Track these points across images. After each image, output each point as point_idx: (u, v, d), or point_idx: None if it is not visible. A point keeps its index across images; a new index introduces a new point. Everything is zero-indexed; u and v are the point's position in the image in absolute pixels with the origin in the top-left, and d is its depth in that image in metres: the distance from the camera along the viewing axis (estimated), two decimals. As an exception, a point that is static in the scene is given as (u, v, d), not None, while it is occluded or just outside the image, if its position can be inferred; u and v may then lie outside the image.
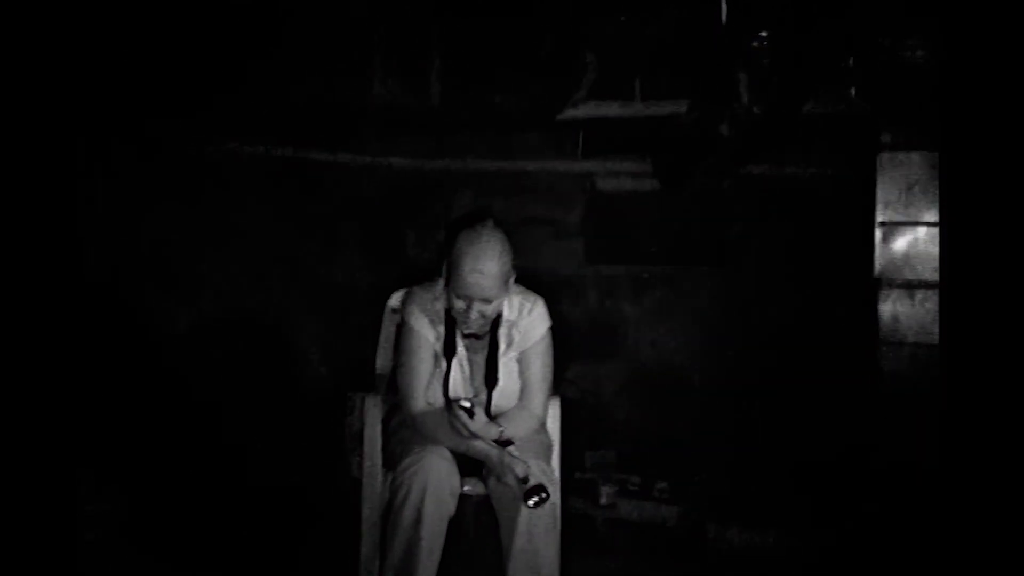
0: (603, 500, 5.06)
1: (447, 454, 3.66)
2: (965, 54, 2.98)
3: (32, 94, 2.90)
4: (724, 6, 4.60)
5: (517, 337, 3.82)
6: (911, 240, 4.35)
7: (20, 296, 2.83)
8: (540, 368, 3.85)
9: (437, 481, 3.59)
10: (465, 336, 3.80)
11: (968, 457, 2.88)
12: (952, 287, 2.96)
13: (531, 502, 3.50)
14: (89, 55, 3.98)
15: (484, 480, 3.73)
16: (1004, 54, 2.90)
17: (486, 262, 3.63)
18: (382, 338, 4.09)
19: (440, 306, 3.79)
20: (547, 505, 3.54)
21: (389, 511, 3.66)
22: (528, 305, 3.84)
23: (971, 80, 2.96)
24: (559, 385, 3.99)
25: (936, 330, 4.28)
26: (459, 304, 3.68)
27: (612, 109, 5.16)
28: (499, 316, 3.78)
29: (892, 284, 4.33)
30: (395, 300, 4.04)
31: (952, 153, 3.01)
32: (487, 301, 3.66)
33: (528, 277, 3.88)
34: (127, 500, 4.60)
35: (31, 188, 2.88)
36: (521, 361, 3.84)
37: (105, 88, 4.62)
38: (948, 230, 3.03)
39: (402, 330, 3.85)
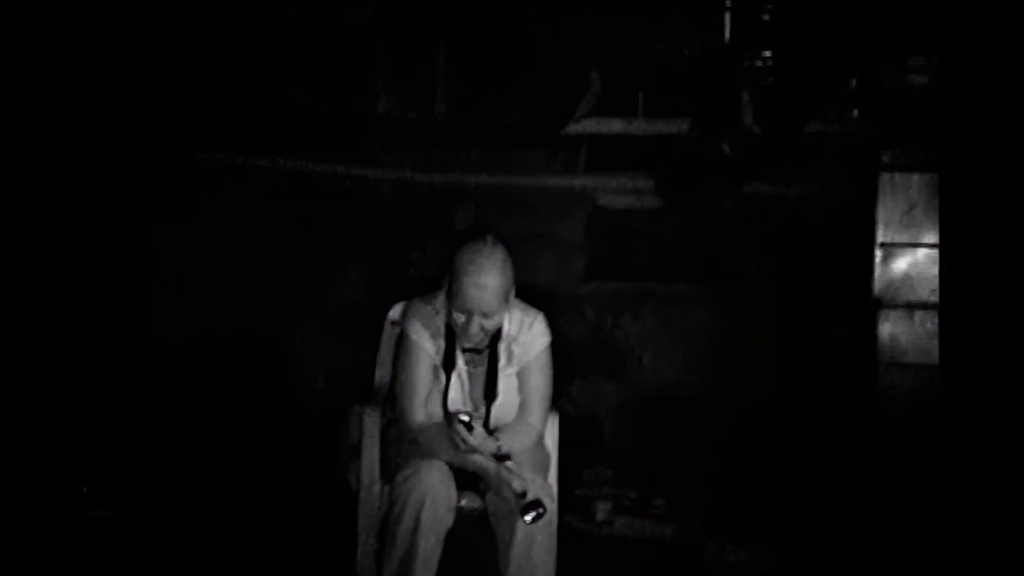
0: (600, 516, 5.05)
1: (445, 467, 3.66)
2: (965, 77, 2.99)
3: (33, 100, 2.91)
4: (728, 26, 4.62)
5: (517, 352, 3.82)
6: (911, 261, 4.37)
7: (20, 304, 2.84)
8: (539, 383, 3.85)
9: (434, 494, 3.59)
10: (465, 350, 3.80)
11: (968, 474, 2.88)
12: (952, 307, 2.97)
13: (528, 517, 3.50)
14: (96, 62, 4.00)
15: (481, 494, 3.73)
16: (1003, 77, 2.92)
17: (487, 276, 3.64)
18: (382, 350, 4.09)
19: (440, 320, 3.79)
20: (544, 520, 3.54)
21: (386, 523, 3.66)
22: (528, 320, 3.84)
23: (971, 103, 2.97)
24: (558, 401, 3.99)
25: (935, 351, 4.29)
26: (459, 318, 3.69)
27: (615, 126, 5.17)
28: (499, 330, 3.79)
29: (891, 305, 4.35)
30: (395, 313, 4.04)
31: (952, 174, 3.02)
32: (487, 315, 3.67)
33: (528, 292, 3.88)
34: (124, 508, 4.61)
35: (33, 195, 2.89)
36: (520, 376, 3.84)
37: (110, 95, 4.64)
38: (948, 250, 3.05)
39: (402, 343, 3.85)
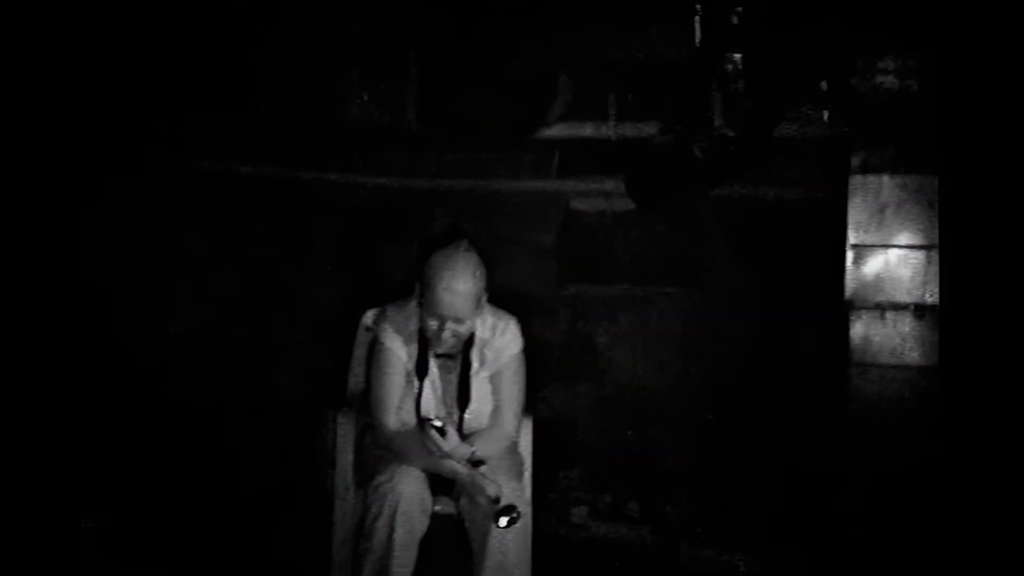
0: (575, 520, 5.06)
1: (419, 473, 3.67)
2: (962, 80, 3.01)
3: (25, 108, 2.91)
4: (698, 28, 4.63)
5: (490, 357, 3.83)
6: (882, 263, 4.38)
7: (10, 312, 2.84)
8: (513, 388, 3.86)
9: (409, 500, 3.60)
10: (438, 355, 3.81)
11: (964, 474, 2.90)
12: (951, 308, 2.99)
13: (502, 522, 3.51)
14: (73, 74, 3.99)
15: (456, 499, 3.73)
16: (999, 80, 2.94)
17: (459, 282, 3.64)
18: (355, 356, 4.09)
19: (413, 325, 3.79)
20: (518, 525, 3.55)
21: (361, 529, 3.66)
22: (501, 325, 3.85)
23: (968, 105, 2.99)
24: (531, 405, 4.00)
25: (907, 352, 4.31)
26: (432, 323, 3.69)
27: (586, 130, 5.17)
28: (472, 335, 3.79)
29: (863, 307, 4.36)
30: (369, 318, 4.04)
31: (951, 177, 3.04)
32: (460, 321, 3.67)
33: (501, 297, 3.88)
34: (108, 514, 4.62)
35: (24, 206, 2.88)
36: (494, 381, 3.84)
37: (88, 106, 4.63)
38: (947, 252, 3.07)
39: (375, 349, 3.86)
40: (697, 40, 4.64)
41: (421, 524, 3.64)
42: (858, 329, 4.35)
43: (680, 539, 4.92)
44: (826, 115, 4.71)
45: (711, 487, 5.05)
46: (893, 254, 4.38)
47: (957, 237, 2.99)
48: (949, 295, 3.02)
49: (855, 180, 4.42)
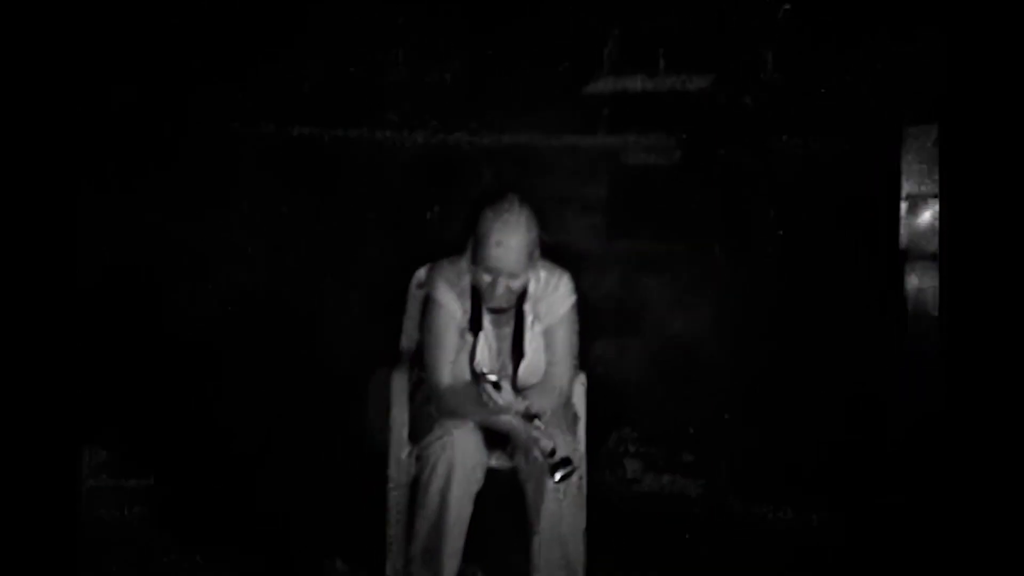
0: (628, 474, 5.07)
1: (474, 428, 3.67)
2: (966, 40, 2.98)
3: (52, 71, 2.90)
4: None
5: (543, 311, 3.82)
6: (936, 212, 4.34)
7: (34, 282, 2.83)
8: (566, 342, 3.85)
9: (464, 455, 3.61)
10: (491, 311, 3.81)
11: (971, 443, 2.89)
12: (953, 262, 2.96)
13: (557, 476, 3.51)
14: (110, 30, 4.00)
15: (510, 454, 3.74)
16: (1005, 43, 2.90)
17: (511, 237, 3.64)
18: (408, 313, 4.09)
19: (466, 281, 3.79)
20: (573, 479, 3.55)
21: (416, 486, 3.68)
22: (554, 280, 3.84)
23: (973, 67, 2.95)
24: (584, 360, 3.99)
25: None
26: (485, 278, 3.68)
27: (636, 83, 5.14)
28: (525, 291, 3.79)
29: (918, 256, 4.33)
30: (421, 275, 4.04)
31: (954, 136, 3.01)
32: (513, 275, 3.67)
33: (552, 252, 3.87)
34: (154, 478, 4.68)
35: (50, 169, 2.88)
36: (547, 336, 3.84)
37: (128, 66, 4.66)
38: (948, 206, 3.03)
39: (428, 305, 3.86)
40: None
41: (476, 479, 3.65)
42: (913, 279, 4.32)
43: (732, 494, 4.91)
44: (880, 65, 4.67)
45: (763, 442, 5.04)
46: (948, 203, 4.34)
47: (959, 188, 2.96)
48: (949, 245, 2.98)
49: (908, 130, 4.38)
